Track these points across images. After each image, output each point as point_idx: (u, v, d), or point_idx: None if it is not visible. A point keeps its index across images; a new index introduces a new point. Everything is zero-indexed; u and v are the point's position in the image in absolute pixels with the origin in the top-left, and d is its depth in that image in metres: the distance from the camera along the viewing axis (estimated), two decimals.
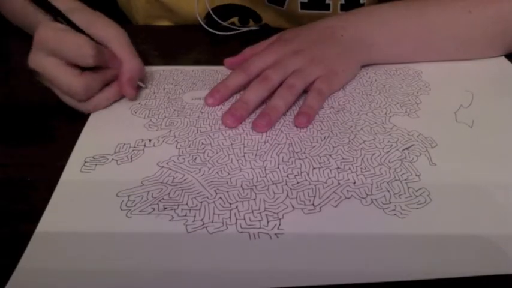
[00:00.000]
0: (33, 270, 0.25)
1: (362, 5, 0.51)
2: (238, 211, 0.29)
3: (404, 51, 0.46)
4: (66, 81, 0.35)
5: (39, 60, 0.35)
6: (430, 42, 0.45)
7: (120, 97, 0.40)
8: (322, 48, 0.42)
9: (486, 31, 0.45)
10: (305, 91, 0.40)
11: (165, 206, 0.29)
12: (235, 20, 0.55)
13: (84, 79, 0.35)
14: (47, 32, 0.34)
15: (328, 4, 0.51)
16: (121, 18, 0.59)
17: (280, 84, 0.39)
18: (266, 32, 0.48)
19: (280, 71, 0.39)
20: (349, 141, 0.35)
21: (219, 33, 0.53)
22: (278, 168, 0.33)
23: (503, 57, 0.47)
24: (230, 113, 0.37)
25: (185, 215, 0.29)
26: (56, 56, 0.34)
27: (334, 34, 0.43)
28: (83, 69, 0.35)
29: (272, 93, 0.38)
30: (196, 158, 0.34)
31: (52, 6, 0.35)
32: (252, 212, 0.29)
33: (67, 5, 0.40)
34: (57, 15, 0.35)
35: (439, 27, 0.44)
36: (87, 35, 0.36)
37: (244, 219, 0.29)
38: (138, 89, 0.41)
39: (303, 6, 0.52)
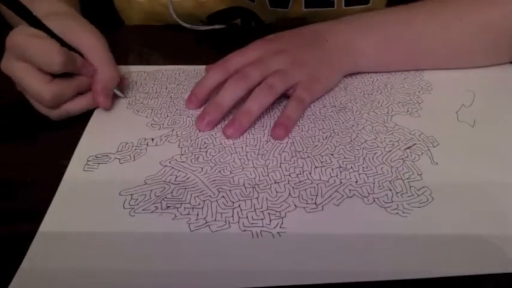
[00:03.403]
0: (36, 270, 0.26)
1: (366, 0, 0.51)
2: (241, 210, 0.29)
3: (391, 60, 0.44)
4: (35, 88, 0.34)
5: (10, 65, 0.34)
6: (418, 51, 0.43)
7: (95, 106, 0.38)
8: (305, 52, 0.40)
9: (477, 40, 0.43)
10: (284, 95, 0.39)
11: (168, 205, 0.30)
12: (237, 21, 0.55)
13: (54, 86, 0.34)
14: (17, 36, 0.33)
15: (333, 1, 0.51)
16: (116, 19, 0.59)
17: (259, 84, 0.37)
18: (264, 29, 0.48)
19: (261, 69, 0.37)
20: (351, 140, 0.35)
21: (202, 27, 0.53)
22: (280, 167, 0.33)
23: None
24: (201, 117, 0.36)
25: (188, 214, 0.29)
26: (26, 62, 0.33)
27: (319, 39, 0.42)
28: (56, 75, 0.34)
29: (250, 92, 0.37)
30: (198, 157, 0.34)
31: (25, 10, 0.33)
32: (255, 210, 0.29)
33: (52, 7, 0.39)
34: (31, 20, 0.33)
35: (428, 35, 0.42)
36: (62, 41, 0.35)
37: (247, 217, 0.29)
38: (115, 98, 0.40)
39: (307, 4, 0.51)
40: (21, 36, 0.33)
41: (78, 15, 0.40)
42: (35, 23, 0.34)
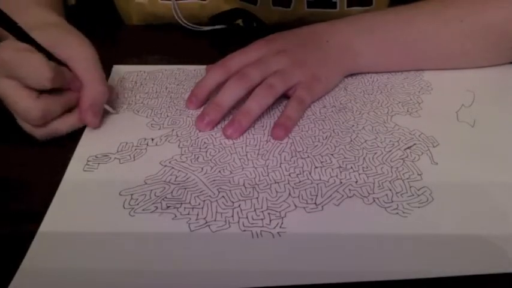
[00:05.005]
0: (36, 270, 0.26)
1: (369, 0, 0.51)
2: (241, 210, 0.29)
3: (392, 60, 0.44)
4: (22, 105, 0.32)
5: None
6: (419, 51, 0.43)
7: (84, 124, 0.36)
8: (305, 52, 0.40)
9: (478, 41, 0.42)
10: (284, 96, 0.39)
11: (168, 205, 0.30)
12: (239, 22, 0.55)
13: (42, 102, 0.32)
14: (3, 51, 0.31)
15: (335, 2, 0.51)
16: (116, 18, 0.59)
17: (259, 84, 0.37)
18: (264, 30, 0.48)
19: (261, 69, 0.37)
20: (351, 140, 0.35)
21: (204, 28, 0.53)
22: (280, 167, 0.33)
23: None
24: (201, 117, 0.36)
25: (188, 214, 0.29)
26: (13, 78, 0.31)
27: (320, 39, 0.42)
28: (42, 91, 0.32)
29: (250, 92, 0.37)
30: (198, 157, 0.34)
31: (12, 23, 0.31)
32: (255, 210, 0.29)
33: (40, 18, 0.38)
34: (17, 33, 0.31)
35: (429, 35, 0.42)
36: (50, 55, 0.33)
37: (247, 217, 0.29)
38: (106, 113, 0.38)
39: (309, 4, 0.51)
40: (8, 51, 0.31)
41: (67, 26, 0.38)
42: (22, 36, 0.32)
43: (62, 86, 0.33)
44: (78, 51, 0.35)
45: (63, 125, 0.35)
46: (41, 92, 0.32)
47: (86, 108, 0.35)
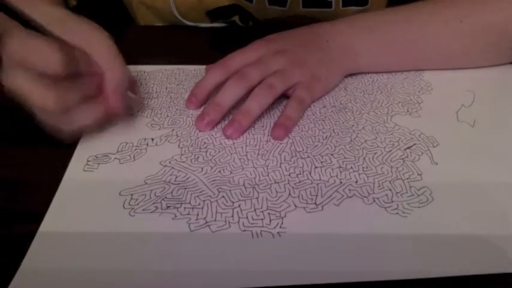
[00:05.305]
0: (36, 270, 0.26)
1: (364, 0, 0.51)
2: (241, 210, 0.29)
3: (392, 60, 0.44)
4: (37, 93, 0.30)
5: (8, 75, 0.30)
6: (419, 52, 0.43)
7: (109, 115, 0.34)
8: (306, 52, 0.40)
9: (478, 41, 0.43)
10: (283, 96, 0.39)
11: (168, 205, 0.30)
12: (236, 18, 0.55)
13: (58, 88, 0.30)
14: (12, 42, 0.29)
15: (330, 2, 0.51)
16: (126, 18, 0.59)
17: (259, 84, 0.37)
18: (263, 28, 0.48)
19: (261, 69, 0.37)
20: (351, 140, 0.35)
21: (201, 25, 0.54)
22: (280, 167, 0.33)
23: None
24: (201, 117, 0.36)
25: (188, 214, 0.29)
26: (24, 67, 0.30)
27: (319, 39, 0.42)
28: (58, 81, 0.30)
29: (250, 92, 0.37)
30: (198, 157, 0.34)
31: (20, 15, 0.30)
32: (255, 210, 0.29)
33: (46, 14, 0.35)
34: (25, 23, 0.30)
35: (429, 35, 0.42)
36: (62, 40, 0.31)
37: (247, 217, 0.29)
38: (129, 101, 0.36)
39: (305, 4, 0.51)
40: (18, 40, 0.30)
41: (77, 16, 0.37)
42: (29, 24, 0.30)
43: (76, 71, 0.31)
44: (90, 36, 0.34)
45: (85, 116, 0.33)
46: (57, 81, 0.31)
47: (112, 91, 0.33)
